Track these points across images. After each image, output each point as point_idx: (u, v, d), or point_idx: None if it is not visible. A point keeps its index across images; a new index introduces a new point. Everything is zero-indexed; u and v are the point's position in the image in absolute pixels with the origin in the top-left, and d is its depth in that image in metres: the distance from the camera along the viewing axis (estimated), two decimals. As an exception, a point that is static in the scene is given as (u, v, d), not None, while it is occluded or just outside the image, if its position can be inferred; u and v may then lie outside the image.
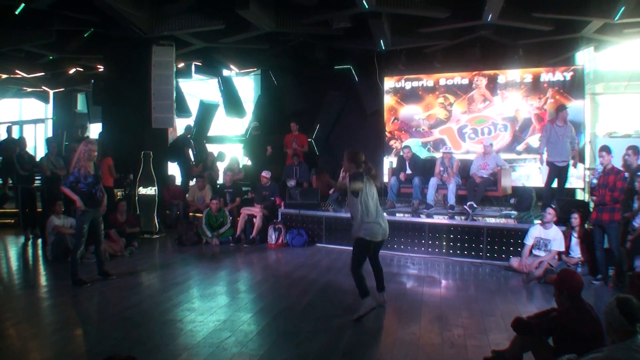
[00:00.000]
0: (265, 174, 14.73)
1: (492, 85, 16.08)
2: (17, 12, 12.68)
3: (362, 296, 7.69)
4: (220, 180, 16.92)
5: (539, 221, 10.80)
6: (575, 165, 13.31)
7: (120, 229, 12.58)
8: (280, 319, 7.59)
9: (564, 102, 14.80)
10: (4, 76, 20.09)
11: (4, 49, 15.81)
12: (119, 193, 15.23)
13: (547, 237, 10.33)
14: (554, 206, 10.92)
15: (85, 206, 9.40)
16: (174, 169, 17.82)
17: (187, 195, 16.16)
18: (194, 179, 17.21)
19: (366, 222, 7.77)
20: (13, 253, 13.04)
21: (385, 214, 13.06)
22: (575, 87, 15.13)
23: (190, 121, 19.65)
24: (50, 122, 25.17)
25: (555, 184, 12.73)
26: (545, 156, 12.78)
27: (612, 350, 4.36)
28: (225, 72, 20.55)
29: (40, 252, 12.87)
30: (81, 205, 9.39)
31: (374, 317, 7.69)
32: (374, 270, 8.40)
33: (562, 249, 10.25)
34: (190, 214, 15.33)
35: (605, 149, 9.85)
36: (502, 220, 12.25)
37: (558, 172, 12.60)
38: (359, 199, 7.77)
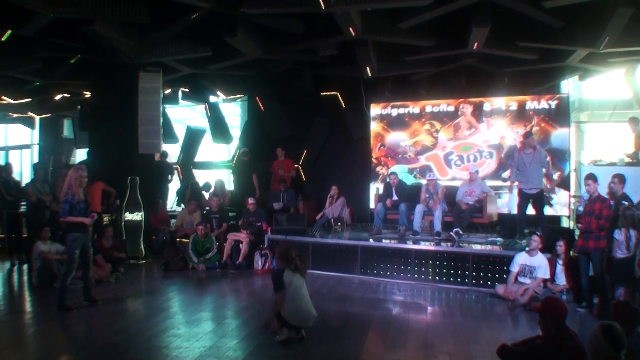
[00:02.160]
0: (252, 200, 14.84)
1: (478, 112, 16.18)
2: (3, 39, 12.69)
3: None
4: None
5: (527, 245, 10.81)
6: (552, 191, 13.38)
7: (107, 254, 12.55)
8: (265, 345, 7.55)
9: (550, 130, 14.96)
10: (-10, 102, 20.04)
11: (-10, 75, 15.83)
12: (105, 218, 15.17)
13: (532, 264, 10.38)
14: (539, 233, 10.94)
15: (76, 232, 9.41)
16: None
17: (175, 220, 16.16)
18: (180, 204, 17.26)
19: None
20: (-2, 279, 13.00)
21: (371, 239, 13.12)
22: (560, 115, 15.25)
23: (165, 147, 19.69)
24: (36, 148, 25.09)
25: (533, 212, 12.73)
26: (516, 184, 12.81)
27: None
28: (212, 98, 20.56)
29: (25, 277, 12.76)
30: (90, 221, 9.49)
31: (359, 344, 7.69)
32: None
33: (547, 276, 10.31)
34: (178, 239, 15.23)
35: (592, 177, 9.91)
36: (488, 247, 12.32)
37: (529, 199, 12.56)
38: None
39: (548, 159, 12.88)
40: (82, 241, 9.57)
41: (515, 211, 13.32)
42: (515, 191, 12.76)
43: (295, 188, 17.22)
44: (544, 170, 12.64)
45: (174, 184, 19.28)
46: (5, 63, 14.62)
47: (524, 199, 12.61)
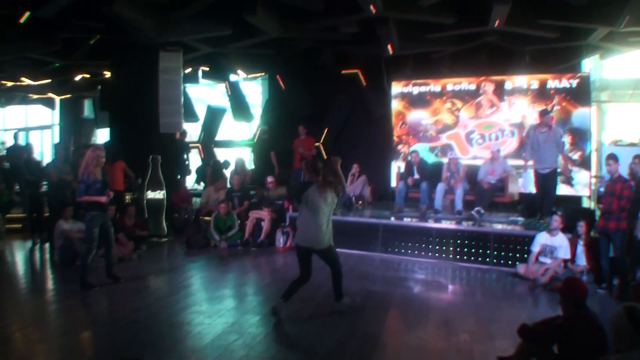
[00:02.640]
0: (270, 179, 14.98)
1: (499, 91, 16.10)
2: (22, 21, 12.75)
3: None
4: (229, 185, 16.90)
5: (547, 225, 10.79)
6: (566, 172, 13.27)
7: (129, 232, 12.69)
8: (288, 322, 7.64)
9: (571, 109, 14.89)
10: (10, 83, 20.12)
11: (10, 57, 15.90)
12: (127, 197, 15.29)
13: (553, 244, 10.36)
14: (560, 213, 10.90)
15: (94, 210, 9.50)
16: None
17: (199, 199, 16.30)
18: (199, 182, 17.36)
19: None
20: (20, 257, 13.17)
21: (392, 218, 13.13)
22: (581, 94, 15.14)
23: (185, 126, 19.82)
24: (56, 128, 25.27)
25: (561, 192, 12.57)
26: (530, 163, 12.64)
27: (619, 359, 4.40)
28: (233, 77, 20.67)
29: (47, 256, 12.94)
30: (106, 199, 9.59)
31: (380, 322, 7.76)
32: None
33: (568, 256, 10.27)
34: (201, 217, 15.19)
35: (613, 157, 9.80)
36: (510, 227, 12.32)
37: (543, 179, 12.34)
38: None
39: (564, 139, 12.60)
40: (100, 220, 9.63)
41: (530, 191, 13.21)
42: (532, 172, 12.63)
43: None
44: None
45: (195, 163, 19.40)
46: (25, 45, 14.68)
47: (538, 179, 12.44)
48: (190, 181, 19.30)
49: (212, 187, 15.86)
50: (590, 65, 17.27)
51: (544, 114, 12.48)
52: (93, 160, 9.51)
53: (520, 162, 14.81)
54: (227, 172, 17.87)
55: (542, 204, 12.38)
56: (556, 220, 10.41)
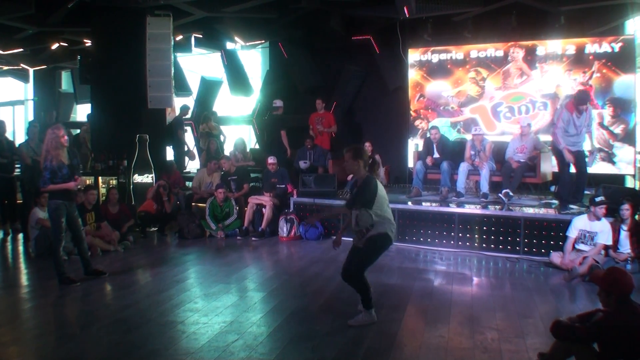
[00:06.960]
0: (271, 159, 14.83)
1: (530, 57, 16.01)
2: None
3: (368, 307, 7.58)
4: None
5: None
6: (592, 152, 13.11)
7: (113, 221, 12.65)
8: (293, 320, 7.64)
9: (612, 77, 14.80)
10: (-26, 53, 20.12)
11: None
12: (111, 181, 15.27)
13: (592, 230, 10.25)
14: (600, 196, 10.81)
15: (58, 199, 9.36)
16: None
17: (191, 183, 16.23)
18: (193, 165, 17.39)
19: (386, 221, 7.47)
20: (-11, 250, 13.21)
21: (409, 202, 13.09)
22: (624, 59, 15.03)
23: (187, 101, 19.79)
24: (30, 104, 25.25)
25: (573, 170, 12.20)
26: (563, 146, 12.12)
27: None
28: (229, 45, 20.63)
29: (21, 248, 13.00)
30: (75, 186, 9.47)
31: (397, 319, 7.75)
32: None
33: (610, 242, 10.18)
34: (193, 204, 15.24)
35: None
36: (542, 211, 12.23)
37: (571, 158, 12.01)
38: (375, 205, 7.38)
39: (593, 114, 12.25)
40: (65, 210, 9.46)
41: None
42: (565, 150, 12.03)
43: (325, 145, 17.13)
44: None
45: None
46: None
47: (561, 157, 12.20)
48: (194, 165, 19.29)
49: (205, 169, 15.82)
50: (635, 26, 17.16)
51: (582, 101, 11.83)
52: (52, 142, 9.29)
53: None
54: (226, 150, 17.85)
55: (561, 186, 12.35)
56: (602, 208, 10.25)
